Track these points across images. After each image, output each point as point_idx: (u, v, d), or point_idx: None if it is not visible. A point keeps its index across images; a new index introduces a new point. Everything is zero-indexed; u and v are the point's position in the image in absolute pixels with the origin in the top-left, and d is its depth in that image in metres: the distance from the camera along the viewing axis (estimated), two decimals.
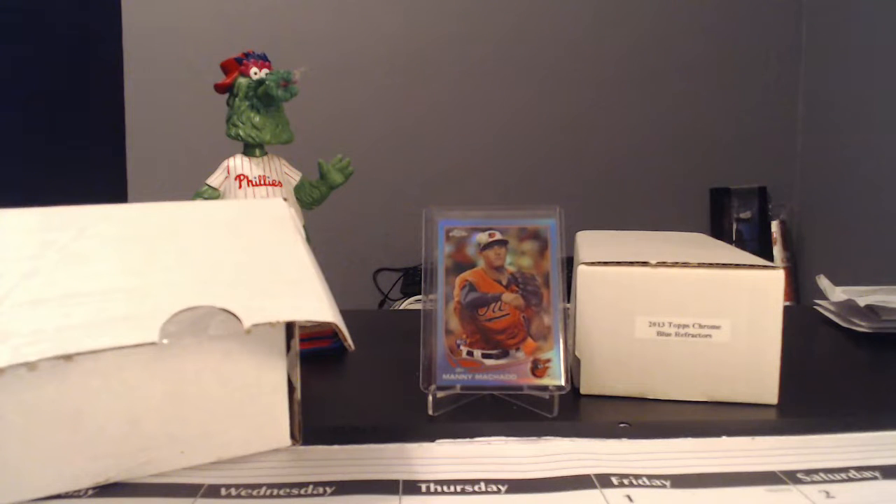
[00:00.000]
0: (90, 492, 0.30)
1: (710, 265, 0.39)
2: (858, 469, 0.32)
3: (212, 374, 0.32)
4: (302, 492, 0.30)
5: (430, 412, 0.38)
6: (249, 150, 0.50)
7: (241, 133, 0.49)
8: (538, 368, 0.37)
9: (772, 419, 0.38)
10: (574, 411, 0.40)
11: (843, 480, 0.31)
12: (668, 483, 0.30)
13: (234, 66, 0.50)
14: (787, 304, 1.46)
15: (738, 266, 0.39)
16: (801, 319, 0.62)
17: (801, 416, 0.38)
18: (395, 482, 0.30)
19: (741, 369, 0.40)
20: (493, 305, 0.38)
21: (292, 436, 0.34)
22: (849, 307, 0.61)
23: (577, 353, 0.41)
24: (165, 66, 1.59)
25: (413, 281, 1.59)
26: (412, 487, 0.30)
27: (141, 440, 0.30)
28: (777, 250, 1.74)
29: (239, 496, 0.29)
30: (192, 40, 1.59)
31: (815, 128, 1.71)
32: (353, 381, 0.46)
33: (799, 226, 1.76)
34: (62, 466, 0.29)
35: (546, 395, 0.38)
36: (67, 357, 0.26)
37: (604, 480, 0.30)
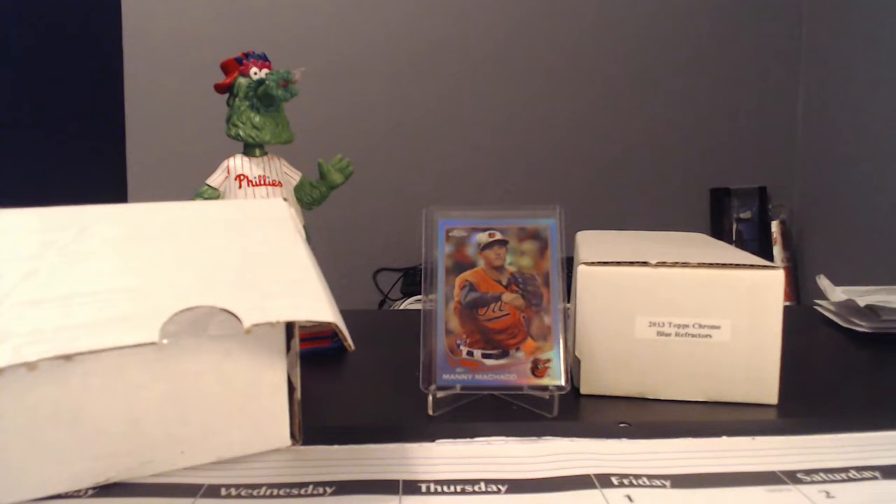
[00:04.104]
0: (90, 492, 0.30)
1: (710, 265, 0.39)
2: (858, 469, 0.32)
3: (212, 374, 0.32)
4: (302, 492, 0.30)
5: (430, 412, 0.38)
6: (249, 150, 0.50)
7: (241, 133, 0.49)
8: (538, 368, 0.37)
9: (772, 419, 0.38)
10: (574, 411, 0.40)
11: (843, 480, 0.31)
12: (668, 483, 0.30)
13: (234, 66, 0.50)
14: (787, 304, 1.46)
15: (738, 266, 0.39)
16: (801, 319, 0.62)
17: (801, 416, 0.38)
18: (395, 482, 0.30)
19: (741, 369, 0.40)
20: (493, 305, 0.38)
21: (292, 436, 0.34)
22: (849, 307, 0.61)
23: (577, 353, 0.41)
24: (165, 66, 1.59)
25: (413, 281, 1.59)
26: (412, 487, 0.30)
27: (141, 440, 0.30)
28: (777, 250, 1.74)
29: (239, 496, 0.29)
30: (192, 40, 1.59)
31: (815, 128, 1.71)
32: (353, 381, 0.46)
33: (799, 226, 1.77)
34: (62, 466, 0.29)
35: (546, 395, 0.38)
36: (67, 357, 0.26)
37: (604, 480, 0.30)
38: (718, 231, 1.75)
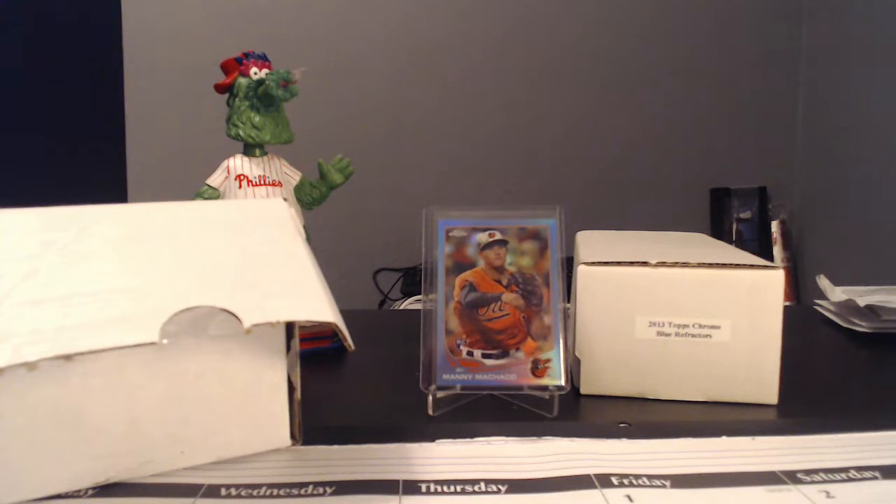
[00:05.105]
0: (90, 492, 0.30)
1: (710, 265, 0.39)
2: (858, 469, 0.32)
3: (212, 374, 0.32)
4: (302, 492, 0.30)
5: (430, 412, 0.38)
6: (249, 150, 0.50)
7: (241, 133, 0.49)
8: (538, 368, 0.37)
9: (772, 419, 0.38)
10: (574, 411, 0.40)
11: (843, 480, 0.31)
12: (668, 483, 0.30)
13: (234, 66, 0.50)
14: (787, 304, 1.46)
15: (738, 266, 0.39)
16: (801, 319, 0.62)
17: (801, 416, 0.38)
18: (395, 482, 0.30)
19: (741, 369, 0.40)
20: (493, 305, 0.38)
21: (292, 436, 0.34)
22: (849, 307, 0.61)
23: (577, 353, 0.41)
24: (165, 66, 1.59)
25: (413, 281, 1.59)
26: (412, 487, 0.30)
27: (141, 440, 0.30)
28: (777, 250, 1.74)
29: (239, 496, 0.29)
30: (192, 40, 1.59)
31: (815, 128, 1.71)
32: (353, 381, 0.46)
33: (799, 226, 1.76)
34: (62, 466, 0.29)
35: (546, 395, 0.38)
36: (67, 357, 0.26)
37: (604, 480, 0.30)
38: (718, 231, 1.75)
